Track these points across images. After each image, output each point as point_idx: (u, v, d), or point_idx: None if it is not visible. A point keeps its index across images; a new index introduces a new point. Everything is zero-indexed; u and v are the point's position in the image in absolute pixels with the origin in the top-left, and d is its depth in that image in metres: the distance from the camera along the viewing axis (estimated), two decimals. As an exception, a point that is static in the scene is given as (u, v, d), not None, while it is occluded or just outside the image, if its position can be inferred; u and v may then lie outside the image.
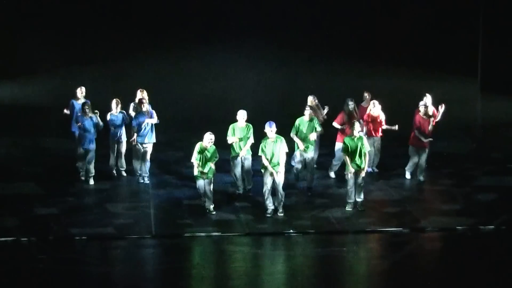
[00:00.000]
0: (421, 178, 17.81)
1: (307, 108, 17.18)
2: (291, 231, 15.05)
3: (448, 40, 23.93)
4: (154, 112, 17.59)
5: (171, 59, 23.66)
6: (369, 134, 18.01)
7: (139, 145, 17.40)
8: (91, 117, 17.24)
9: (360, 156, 15.83)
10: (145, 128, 17.36)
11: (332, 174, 18.14)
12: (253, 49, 23.65)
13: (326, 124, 18.10)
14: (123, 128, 17.75)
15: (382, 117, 18.12)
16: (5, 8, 22.50)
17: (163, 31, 23.31)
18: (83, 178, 17.54)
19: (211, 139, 15.53)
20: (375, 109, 18.06)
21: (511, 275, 13.29)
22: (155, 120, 17.47)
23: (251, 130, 16.62)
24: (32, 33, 22.71)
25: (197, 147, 15.54)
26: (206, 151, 15.50)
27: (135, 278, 13.19)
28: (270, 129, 15.65)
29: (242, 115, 16.67)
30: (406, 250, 14.50)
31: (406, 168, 18.00)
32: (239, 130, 16.59)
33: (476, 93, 24.33)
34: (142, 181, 17.53)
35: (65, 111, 18.39)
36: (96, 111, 17.38)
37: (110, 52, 23.11)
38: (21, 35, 22.69)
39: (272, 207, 15.66)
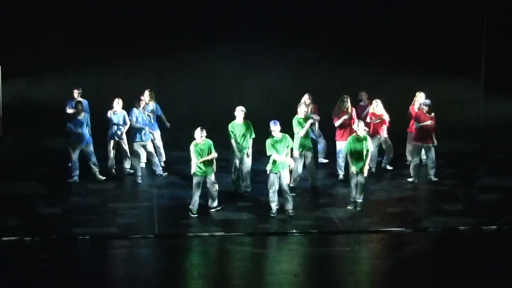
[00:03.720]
0: (433, 177, 17.74)
1: (301, 105, 17.15)
2: (294, 231, 15.08)
3: (451, 41, 23.93)
4: (151, 116, 17.70)
5: (174, 59, 23.68)
6: (373, 133, 17.99)
7: (137, 144, 17.47)
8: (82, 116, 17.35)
9: (364, 156, 15.83)
10: (142, 127, 17.45)
11: (341, 176, 17.91)
12: (256, 48, 23.67)
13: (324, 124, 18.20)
14: (124, 128, 17.80)
15: (385, 116, 18.10)
16: (5, 8, 22.57)
17: (166, 31, 23.33)
18: (75, 177, 17.54)
19: (202, 135, 15.55)
20: (377, 108, 18.05)
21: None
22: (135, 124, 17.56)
23: (251, 127, 16.60)
24: (34, 33, 22.73)
25: (192, 147, 15.54)
26: (199, 147, 15.50)
27: (138, 277, 13.21)
28: (275, 127, 15.60)
29: (239, 110, 16.61)
30: (409, 250, 14.52)
31: (411, 171, 17.89)
32: (238, 128, 16.56)
33: (479, 94, 24.33)
34: (160, 175, 17.66)
35: (68, 110, 18.48)
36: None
37: (113, 52, 23.14)
38: (23, 35, 22.72)
39: (277, 207, 15.65)
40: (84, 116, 17.45)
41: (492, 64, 24.29)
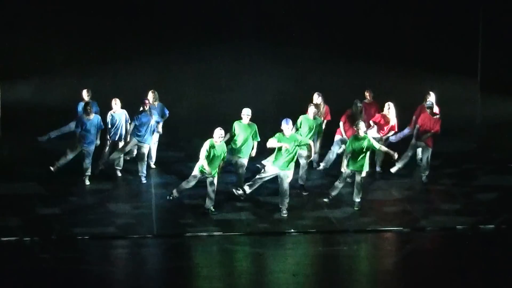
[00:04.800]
0: (424, 178, 17.81)
1: (311, 105, 17.22)
2: (292, 230, 15.13)
3: (447, 40, 23.95)
4: (156, 114, 17.72)
5: (173, 59, 23.70)
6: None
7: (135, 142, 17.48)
8: (92, 118, 17.29)
9: (363, 156, 15.83)
10: (145, 129, 17.43)
11: (321, 166, 18.18)
12: (255, 49, 23.67)
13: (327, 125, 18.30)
14: (123, 129, 17.79)
15: (393, 121, 18.13)
16: (4, 9, 22.55)
17: (165, 31, 23.33)
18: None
19: (221, 135, 15.51)
20: (389, 112, 18.07)
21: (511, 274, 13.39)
22: (153, 120, 17.55)
23: (256, 129, 16.61)
24: (34, 34, 22.73)
25: (207, 143, 15.54)
26: (215, 148, 15.50)
27: (137, 277, 13.25)
28: (287, 126, 15.51)
29: (246, 113, 16.58)
30: (406, 250, 14.59)
31: (397, 162, 17.81)
32: (242, 128, 16.59)
33: (476, 93, 24.38)
34: (144, 181, 17.60)
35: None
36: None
37: (113, 53, 23.14)
38: (22, 36, 22.72)
39: (247, 191, 15.70)
40: (93, 118, 17.29)
41: (489, 63, 24.30)
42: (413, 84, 22.75)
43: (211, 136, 15.58)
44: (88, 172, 17.35)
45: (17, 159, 19.20)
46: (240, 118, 16.64)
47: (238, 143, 16.50)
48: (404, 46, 23.88)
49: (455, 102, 23.38)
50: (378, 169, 18.46)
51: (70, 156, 17.40)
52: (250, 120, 16.64)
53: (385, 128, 18.11)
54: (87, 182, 17.35)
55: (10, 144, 20.18)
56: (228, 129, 16.51)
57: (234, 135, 16.51)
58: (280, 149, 15.47)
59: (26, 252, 14.05)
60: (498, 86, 23.89)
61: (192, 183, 15.65)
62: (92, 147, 17.33)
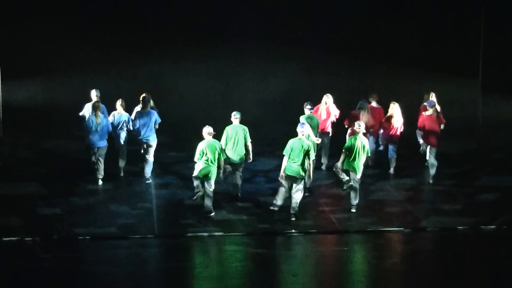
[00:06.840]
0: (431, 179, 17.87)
1: (307, 105, 17.24)
2: (293, 230, 15.14)
3: (449, 41, 23.99)
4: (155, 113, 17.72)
5: (173, 59, 23.72)
6: (390, 140, 18.14)
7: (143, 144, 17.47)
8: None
9: (358, 157, 15.79)
10: (147, 127, 17.42)
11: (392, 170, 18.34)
12: (255, 49, 23.71)
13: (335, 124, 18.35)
14: (125, 130, 17.77)
15: (394, 120, 18.16)
16: (5, 9, 22.57)
17: (165, 31, 23.37)
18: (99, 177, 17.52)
19: (209, 132, 15.58)
20: (394, 112, 18.08)
21: (512, 274, 13.43)
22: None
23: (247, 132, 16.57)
24: (34, 34, 22.75)
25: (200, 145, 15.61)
26: (206, 146, 15.53)
27: (138, 277, 13.26)
28: (302, 129, 15.51)
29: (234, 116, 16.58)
30: (407, 250, 14.60)
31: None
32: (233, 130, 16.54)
33: (477, 94, 24.42)
34: (148, 181, 17.57)
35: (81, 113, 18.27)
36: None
37: (113, 53, 23.17)
38: (23, 36, 22.74)
39: (279, 205, 15.57)
40: (101, 119, 17.18)
41: (490, 64, 24.34)
42: (415, 85, 22.77)
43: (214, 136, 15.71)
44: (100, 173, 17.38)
45: (19, 159, 19.23)
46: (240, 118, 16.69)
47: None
48: (406, 47, 23.91)
49: (457, 103, 23.42)
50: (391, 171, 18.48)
51: (94, 158, 17.31)
52: (247, 121, 16.63)
53: (396, 132, 18.14)
54: (100, 182, 17.36)
55: (11, 144, 20.22)
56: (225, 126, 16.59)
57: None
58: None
59: (27, 252, 14.05)
60: (499, 87, 23.93)
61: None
62: (105, 149, 17.29)
